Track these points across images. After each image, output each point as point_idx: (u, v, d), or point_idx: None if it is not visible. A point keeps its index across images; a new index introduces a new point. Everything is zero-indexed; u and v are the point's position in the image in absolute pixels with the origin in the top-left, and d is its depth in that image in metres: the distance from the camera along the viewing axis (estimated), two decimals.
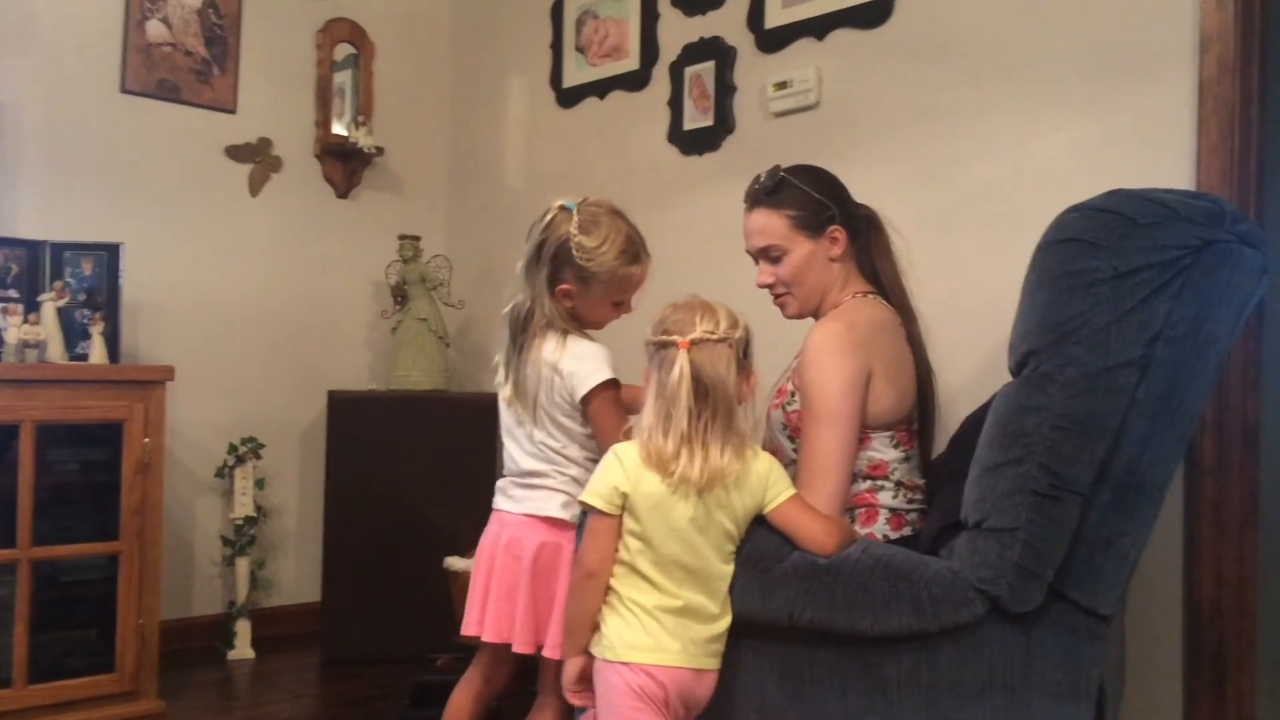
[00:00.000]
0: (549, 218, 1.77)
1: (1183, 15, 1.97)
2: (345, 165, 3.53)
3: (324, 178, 3.52)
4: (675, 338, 1.49)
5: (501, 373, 1.84)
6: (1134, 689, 1.96)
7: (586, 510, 1.53)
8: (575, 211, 1.76)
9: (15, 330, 2.48)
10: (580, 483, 1.72)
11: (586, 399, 1.73)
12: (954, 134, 2.32)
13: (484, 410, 3.19)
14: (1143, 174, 1.97)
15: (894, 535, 1.71)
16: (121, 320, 2.78)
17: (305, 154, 3.48)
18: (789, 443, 1.77)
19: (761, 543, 1.52)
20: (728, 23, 2.82)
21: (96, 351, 2.61)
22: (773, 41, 2.69)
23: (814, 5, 2.58)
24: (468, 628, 1.82)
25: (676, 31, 2.96)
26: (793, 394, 1.76)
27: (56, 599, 2.51)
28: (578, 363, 1.74)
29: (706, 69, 2.85)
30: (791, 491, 1.53)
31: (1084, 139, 2.11)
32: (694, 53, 2.89)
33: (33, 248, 2.71)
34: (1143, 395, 1.34)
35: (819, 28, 2.58)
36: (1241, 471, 1.92)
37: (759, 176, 1.83)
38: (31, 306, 2.56)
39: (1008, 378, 1.46)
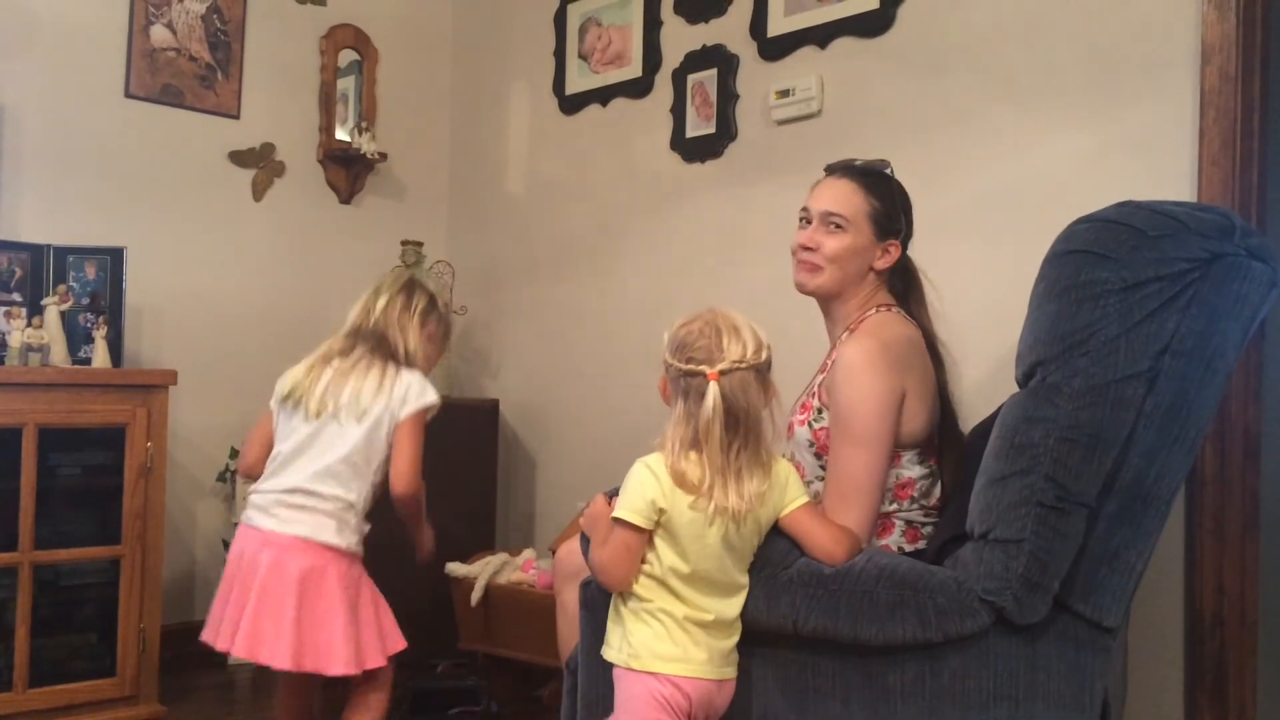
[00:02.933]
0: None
1: (1184, 26, 1.98)
2: (348, 171, 3.53)
3: (327, 183, 3.52)
4: (704, 369, 1.45)
5: (314, 376, 2.07)
6: (1136, 698, 1.96)
7: (617, 523, 1.47)
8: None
9: (19, 334, 2.48)
10: (353, 507, 1.89)
11: (412, 414, 1.94)
12: (955, 143, 2.33)
13: (486, 416, 3.21)
14: (1143, 185, 1.98)
15: (909, 548, 1.70)
16: (125, 324, 2.78)
17: (308, 159, 3.48)
18: (815, 460, 1.74)
19: (766, 550, 1.52)
20: (730, 31, 2.83)
21: (99, 355, 2.61)
22: (775, 49, 2.70)
23: (816, 14, 2.59)
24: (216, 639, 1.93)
25: (679, 39, 2.97)
26: (819, 410, 1.73)
27: (58, 603, 2.51)
28: (417, 381, 2.00)
29: (709, 76, 2.85)
30: (805, 498, 1.52)
31: (1085, 149, 2.11)
32: (696, 60, 2.90)
33: (36, 251, 2.71)
34: (1150, 407, 1.34)
35: (821, 36, 2.59)
36: (1242, 481, 1.92)
37: (855, 159, 1.86)
38: (35, 310, 2.56)
39: (1014, 388, 1.47)
